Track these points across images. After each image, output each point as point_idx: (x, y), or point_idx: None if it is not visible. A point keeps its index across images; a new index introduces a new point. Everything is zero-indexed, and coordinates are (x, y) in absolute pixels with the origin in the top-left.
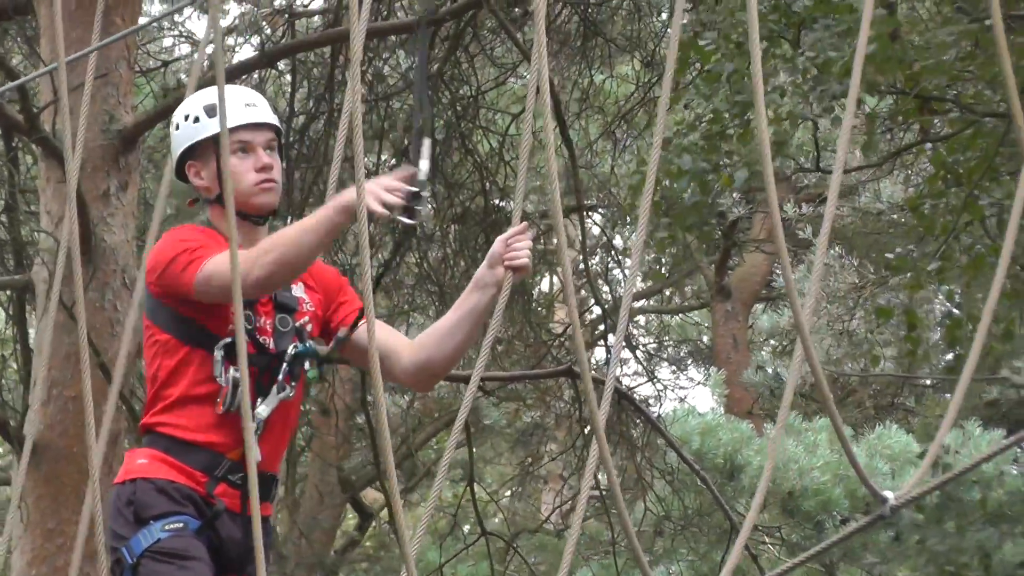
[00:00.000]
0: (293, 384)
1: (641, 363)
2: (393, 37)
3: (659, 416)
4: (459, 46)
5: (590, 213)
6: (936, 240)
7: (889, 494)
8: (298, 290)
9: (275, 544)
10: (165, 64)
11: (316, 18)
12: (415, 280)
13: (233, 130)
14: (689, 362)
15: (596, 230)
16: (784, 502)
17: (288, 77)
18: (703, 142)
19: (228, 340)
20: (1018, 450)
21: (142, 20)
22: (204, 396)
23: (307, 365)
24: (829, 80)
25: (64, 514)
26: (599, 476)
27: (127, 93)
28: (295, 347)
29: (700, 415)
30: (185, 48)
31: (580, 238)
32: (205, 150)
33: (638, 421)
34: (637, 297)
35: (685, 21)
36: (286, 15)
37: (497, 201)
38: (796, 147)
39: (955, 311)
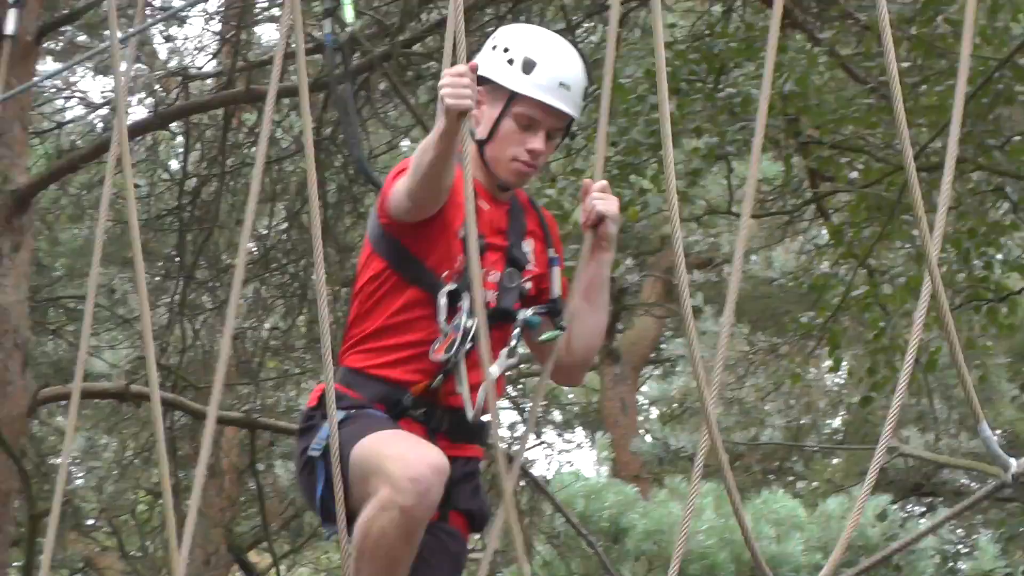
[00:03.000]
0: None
1: (526, 424)
2: (287, 100)
3: (546, 480)
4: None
5: None
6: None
7: None
8: (528, 245)
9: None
10: (59, 125)
11: (209, 81)
12: (306, 343)
13: (529, 100)
14: (576, 425)
15: None
16: (669, 565)
17: (181, 138)
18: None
19: (452, 287)
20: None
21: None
22: (409, 336)
23: (541, 333)
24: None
25: None
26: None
27: (21, 154)
28: (527, 315)
29: (586, 478)
30: (79, 110)
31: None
32: (498, 94)
33: (524, 484)
34: (526, 360)
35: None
36: (180, 77)
37: None
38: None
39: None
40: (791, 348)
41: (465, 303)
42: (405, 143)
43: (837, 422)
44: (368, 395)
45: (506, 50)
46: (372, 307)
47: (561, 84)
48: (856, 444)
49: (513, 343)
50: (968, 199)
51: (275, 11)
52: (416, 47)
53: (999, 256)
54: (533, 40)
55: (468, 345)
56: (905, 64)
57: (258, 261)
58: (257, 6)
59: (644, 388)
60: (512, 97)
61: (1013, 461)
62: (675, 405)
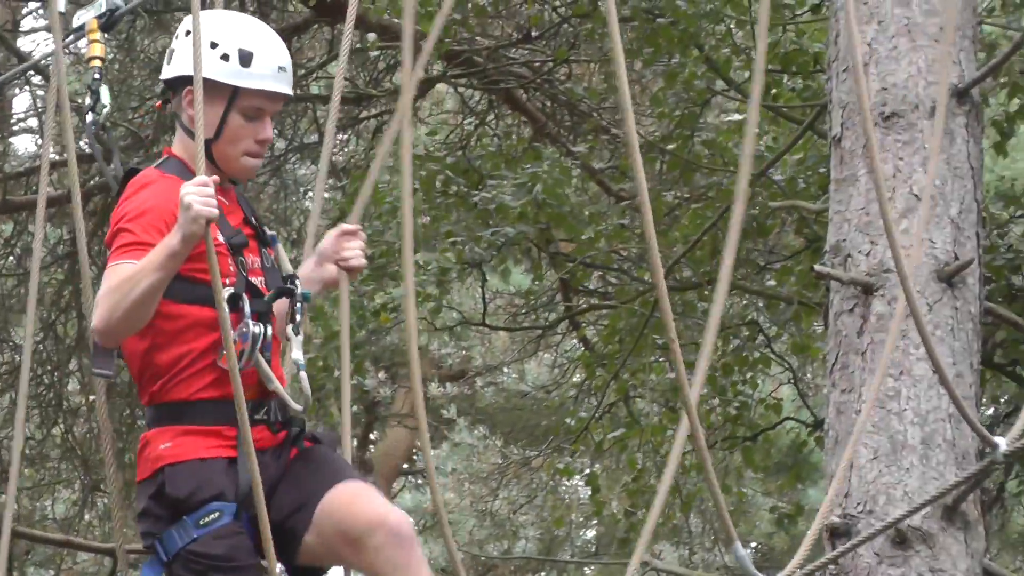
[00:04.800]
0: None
1: None
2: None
3: None
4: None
5: None
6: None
7: None
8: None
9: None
10: None
11: None
12: (61, 453)
13: (254, 92)
14: None
15: None
16: None
17: None
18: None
19: (231, 291)
20: None
21: None
22: (206, 353)
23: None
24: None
25: None
26: None
27: None
28: (304, 292)
29: None
30: None
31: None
32: (217, 91)
33: None
34: None
35: (327, 195)
36: None
37: None
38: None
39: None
40: (544, 461)
41: (246, 307)
42: None
43: (591, 534)
44: (208, 422)
45: (215, 45)
46: (167, 340)
47: (280, 68)
48: (609, 555)
49: (299, 318)
50: (723, 331)
51: (32, 122)
52: None
53: (755, 393)
54: (239, 30)
55: (259, 348)
56: (661, 188)
57: (12, 372)
58: (13, 117)
59: (398, 500)
60: (236, 92)
61: None
62: (428, 517)
